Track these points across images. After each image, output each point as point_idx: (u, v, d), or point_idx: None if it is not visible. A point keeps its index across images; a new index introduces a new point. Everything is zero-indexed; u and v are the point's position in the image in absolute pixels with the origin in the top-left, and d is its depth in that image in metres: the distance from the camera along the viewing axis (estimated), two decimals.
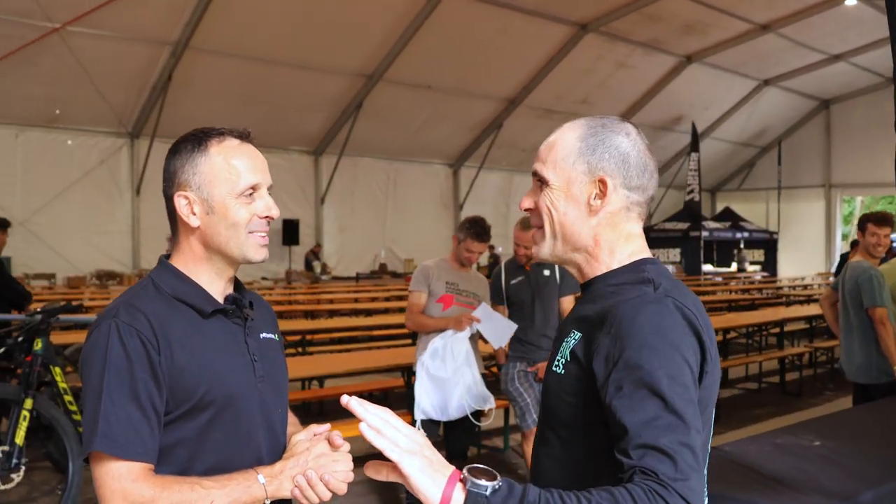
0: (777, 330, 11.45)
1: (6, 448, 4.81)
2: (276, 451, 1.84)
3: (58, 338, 6.36)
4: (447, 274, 5.46)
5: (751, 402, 9.51)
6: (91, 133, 17.94)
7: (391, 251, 23.48)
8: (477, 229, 5.35)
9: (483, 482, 1.30)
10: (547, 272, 5.70)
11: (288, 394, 2.03)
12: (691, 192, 26.62)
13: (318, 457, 1.71)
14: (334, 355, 9.27)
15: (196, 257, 1.84)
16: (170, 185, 1.84)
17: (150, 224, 18.13)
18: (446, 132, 22.96)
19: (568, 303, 5.70)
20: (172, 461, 1.71)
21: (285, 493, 1.70)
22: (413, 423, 5.33)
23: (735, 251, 30.28)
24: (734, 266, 29.68)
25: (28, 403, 4.92)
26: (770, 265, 29.42)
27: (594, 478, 1.44)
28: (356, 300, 14.85)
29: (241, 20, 16.29)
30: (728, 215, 30.15)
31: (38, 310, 5.41)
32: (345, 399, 1.43)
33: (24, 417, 4.89)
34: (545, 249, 1.69)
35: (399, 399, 8.01)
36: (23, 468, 4.87)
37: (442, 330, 5.23)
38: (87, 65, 15.70)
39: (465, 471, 1.33)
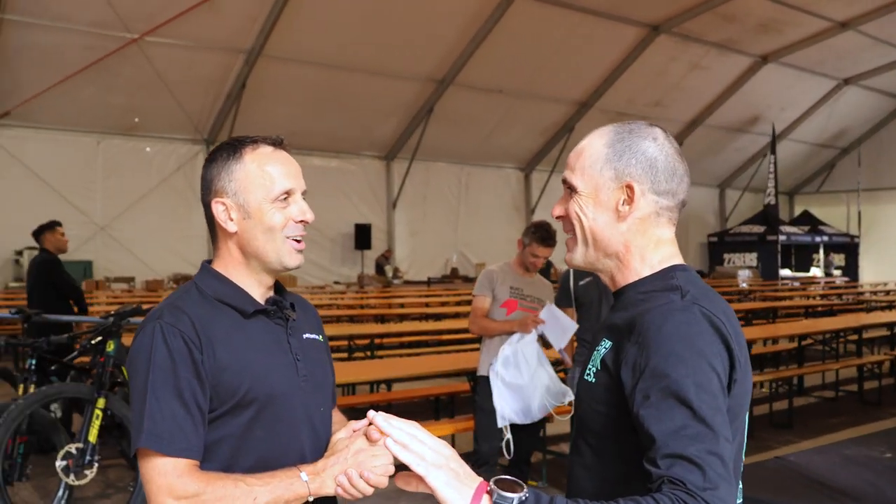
0: (856, 337, 11.12)
1: (80, 445, 4.96)
2: (318, 449, 1.87)
3: (130, 340, 6.54)
4: (511, 279, 5.44)
5: (827, 410, 9.26)
6: (168, 140, 18.40)
7: (463, 255, 23.52)
8: (542, 234, 5.32)
9: (510, 494, 1.30)
10: None
11: (333, 393, 2.07)
12: (768, 195, 26.08)
13: (356, 453, 1.72)
14: (402, 359, 9.31)
15: (235, 262, 1.89)
16: (207, 192, 1.89)
17: None
18: (517, 136, 22.92)
19: None
20: (216, 458, 1.75)
21: (328, 491, 1.72)
22: (482, 430, 5.34)
23: (816, 255, 29.61)
24: (814, 271, 29.00)
25: (101, 403, 5.06)
26: (851, 270, 28.69)
27: (625, 486, 1.43)
28: (427, 304, 14.91)
29: (312, 27, 16.51)
30: (807, 219, 29.49)
31: (111, 313, 5.56)
32: (371, 414, 1.45)
33: (97, 416, 5.04)
34: (577, 256, 1.70)
35: (465, 403, 8.02)
36: (96, 465, 5.00)
37: (506, 333, 5.22)
38: (165, 74, 16.11)
39: (491, 482, 1.33)
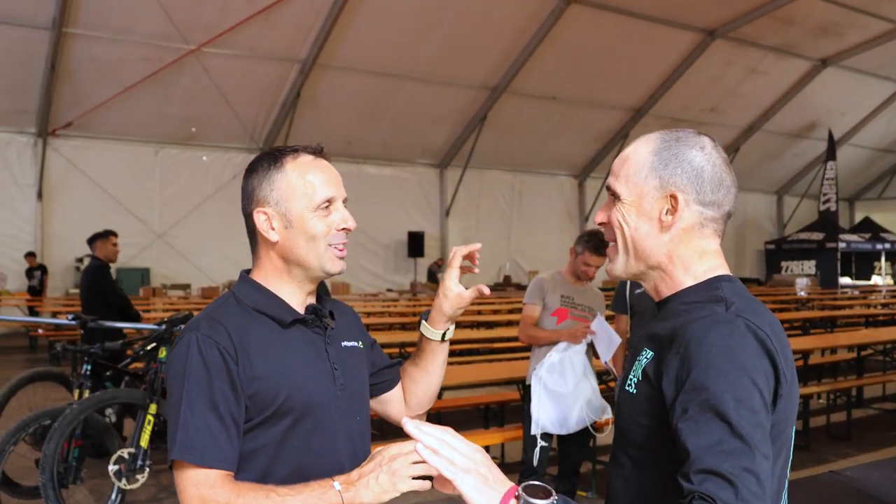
0: None
1: (132, 450, 5.04)
2: (356, 457, 1.85)
3: None
4: (562, 287, 5.38)
5: (888, 423, 9.01)
6: (224, 149, 18.69)
7: (516, 263, 23.47)
8: (595, 242, 5.25)
9: (537, 501, 1.29)
10: None
11: (369, 402, 2.05)
12: (827, 201, 25.59)
13: (392, 459, 1.67)
14: (452, 367, 9.27)
15: (276, 270, 1.89)
16: (249, 202, 1.89)
17: None
18: (571, 143, 22.82)
19: None
20: (252, 467, 1.76)
21: (362, 501, 1.67)
22: (528, 438, 5.30)
23: (877, 263, 28.97)
24: (876, 279, 28.36)
25: (153, 409, 5.15)
26: None
27: (665, 499, 1.41)
28: (479, 312, 14.86)
29: (366, 37, 16.64)
30: (868, 225, 28.86)
31: (164, 320, 5.65)
32: (403, 420, 1.45)
33: (149, 422, 5.12)
34: (619, 266, 1.66)
35: (515, 412, 7.97)
36: (147, 469, 5.08)
37: (555, 343, 5.17)
38: (221, 84, 16.37)
39: (520, 488, 1.32)
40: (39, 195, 16.68)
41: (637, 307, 5.55)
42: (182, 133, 17.73)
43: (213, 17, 15.29)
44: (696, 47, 20.15)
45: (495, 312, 14.83)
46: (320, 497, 1.66)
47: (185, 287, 17.83)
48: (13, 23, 14.50)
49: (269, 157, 1.89)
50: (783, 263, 27.52)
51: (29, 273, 16.44)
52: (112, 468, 4.98)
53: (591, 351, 5.26)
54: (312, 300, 1.94)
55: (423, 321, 2.06)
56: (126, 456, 5.01)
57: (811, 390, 8.01)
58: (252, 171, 1.89)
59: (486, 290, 1.95)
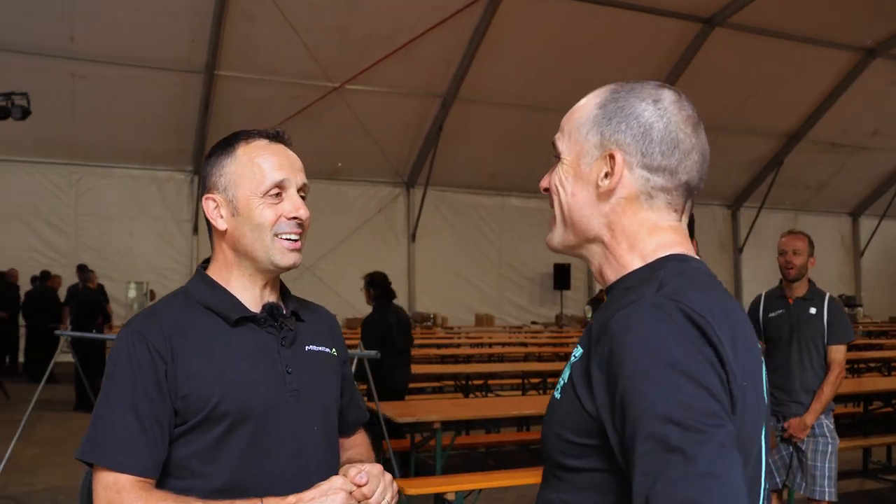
0: None
1: None
2: (306, 471, 1.69)
3: None
4: None
5: None
6: (370, 183, 19.11)
7: None
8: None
9: None
10: (813, 310, 4.90)
11: (336, 412, 1.88)
12: None
13: (336, 491, 1.59)
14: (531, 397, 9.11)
15: (227, 263, 1.77)
16: (203, 189, 1.80)
17: (424, 269, 19.13)
18: (722, 171, 21.97)
19: (837, 353, 4.86)
20: (184, 475, 1.64)
21: None
22: None
23: None
24: None
25: None
26: None
27: None
28: None
29: (504, 69, 16.71)
30: None
31: None
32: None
33: None
34: (555, 238, 1.41)
35: None
36: None
37: None
38: (365, 120, 16.79)
39: None
40: (195, 229, 17.52)
41: (770, 332, 5.01)
42: (328, 168, 18.21)
43: (354, 55, 15.73)
44: (854, 67, 19.09)
45: None
46: None
47: None
48: (171, 68, 15.43)
49: (224, 142, 1.79)
50: None
51: None
52: None
53: None
54: (272, 298, 1.80)
55: None
56: None
57: None
58: (207, 157, 1.80)
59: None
